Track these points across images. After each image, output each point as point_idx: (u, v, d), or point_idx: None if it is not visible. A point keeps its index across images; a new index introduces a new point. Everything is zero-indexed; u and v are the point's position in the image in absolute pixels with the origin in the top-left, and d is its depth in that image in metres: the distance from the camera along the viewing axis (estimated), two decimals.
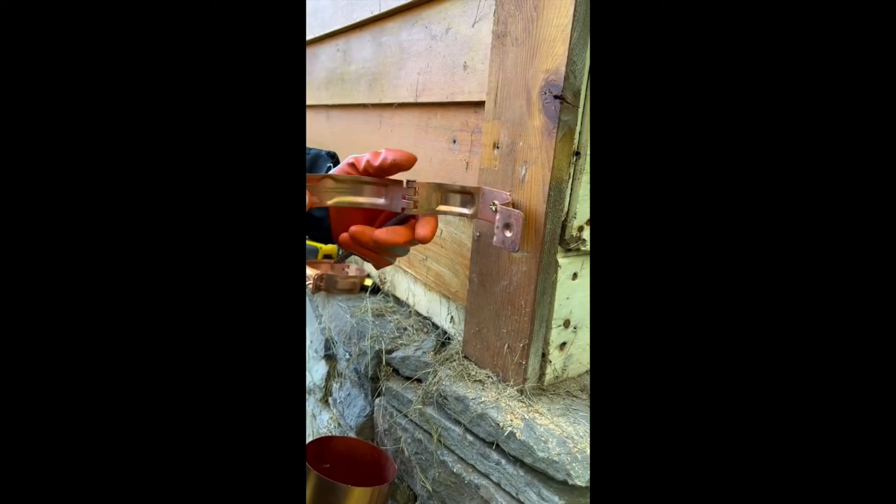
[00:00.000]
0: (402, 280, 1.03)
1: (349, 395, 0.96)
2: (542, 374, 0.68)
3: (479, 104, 0.70)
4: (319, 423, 1.07)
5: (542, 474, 0.58)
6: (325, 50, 1.22)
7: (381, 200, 0.66)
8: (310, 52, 1.32)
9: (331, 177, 0.65)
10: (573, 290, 0.67)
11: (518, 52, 0.60)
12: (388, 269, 1.09)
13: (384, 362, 0.84)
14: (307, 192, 0.64)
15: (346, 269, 1.22)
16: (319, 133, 1.32)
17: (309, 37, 1.30)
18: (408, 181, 0.63)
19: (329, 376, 1.05)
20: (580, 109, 0.57)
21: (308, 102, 1.35)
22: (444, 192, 0.67)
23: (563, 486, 0.56)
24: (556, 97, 0.56)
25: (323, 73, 1.24)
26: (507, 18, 0.61)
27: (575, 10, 0.52)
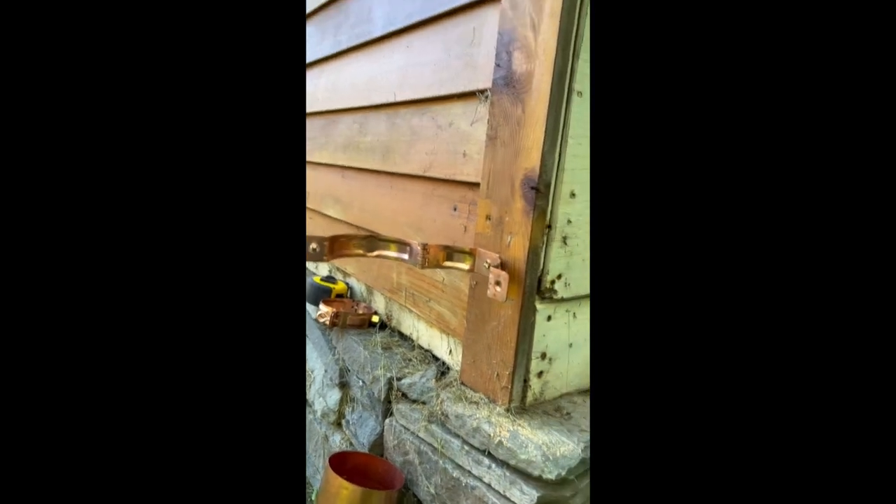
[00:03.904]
0: (407, 318, 1.21)
1: (361, 417, 1.12)
2: (524, 397, 0.86)
3: (475, 185, 0.91)
4: (332, 443, 1.21)
5: (522, 473, 0.75)
6: (343, 120, 1.45)
7: (405, 256, 0.85)
8: (328, 119, 1.54)
9: (378, 237, 0.85)
10: (548, 329, 0.85)
11: (505, 152, 0.81)
12: (394, 307, 1.27)
13: (395, 388, 1.00)
14: (357, 250, 0.83)
15: (356, 307, 1.39)
16: (334, 187, 1.52)
17: (328, 107, 1.52)
18: (422, 244, 0.83)
19: (342, 401, 1.20)
20: (551, 195, 0.78)
21: (326, 161, 1.56)
22: (448, 251, 0.87)
23: (538, 481, 0.73)
24: (532, 188, 0.77)
25: (341, 139, 1.46)
26: (498, 126, 0.83)
27: (545, 128, 0.74)
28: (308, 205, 1.69)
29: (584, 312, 0.90)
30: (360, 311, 1.35)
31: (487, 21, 0.86)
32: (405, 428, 0.97)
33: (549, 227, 0.80)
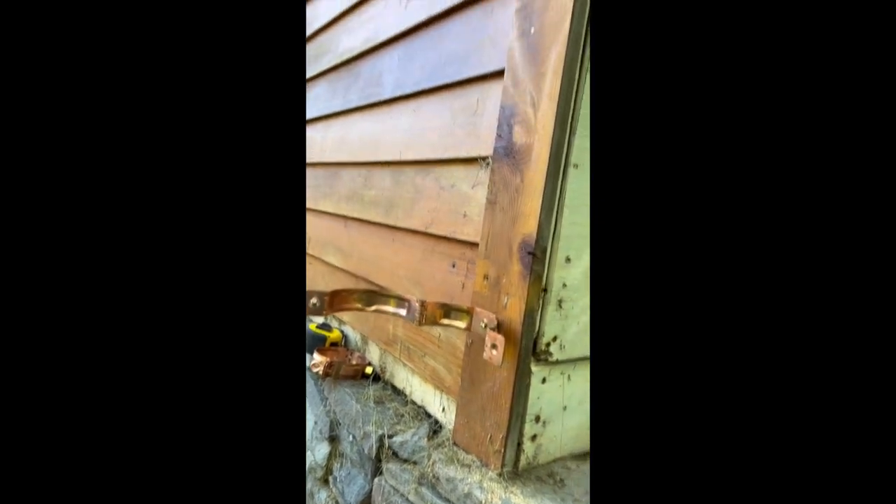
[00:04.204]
0: (401, 371, 1.20)
1: (349, 474, 1.08)
2: (517, 461, 0.84)
3: (474, 244, 0.94)
4: (318, 501, 1.17)
5: None
6: (349, 172, 1.50)
7: (402, 312, 0.87)
8: (334, 170, 1.60)
9: (377, 292, 0.86)
10: (543, 392, 0.86)
11: (504, 216, 0.85)
12: (388, 359, 1.27)
13: (386, 445, 0.98)
14: (358, 303, 0.85)
15: (350, 357, 1.39)
16: (337, 236, 1.55)
17: (335, 159, 1.58)
18: (421, 301, 0.85)
19: (331, 456, 1.17)
20: (547, 260, 0.81)
21: (330, 210, 1.60)
22: (446, 309, 0.88)
23: None
24: (529, 253, 0.80)
25: (345, 190, 1.51)
26: (497, 192, 0.87)
27: (543, 197, 0.78)
28: (310, 251, 1.72)
29: (578, 375, 0.91)
30: (354, 362, 1.34)
31: (490, 94, 0.93)
32: (395, 489, 0.94)
33: (545, 290, 0.82)
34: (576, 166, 0.80)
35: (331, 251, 1.58)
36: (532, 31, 0.80)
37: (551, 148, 0.77)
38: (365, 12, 1.42)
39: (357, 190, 1.43)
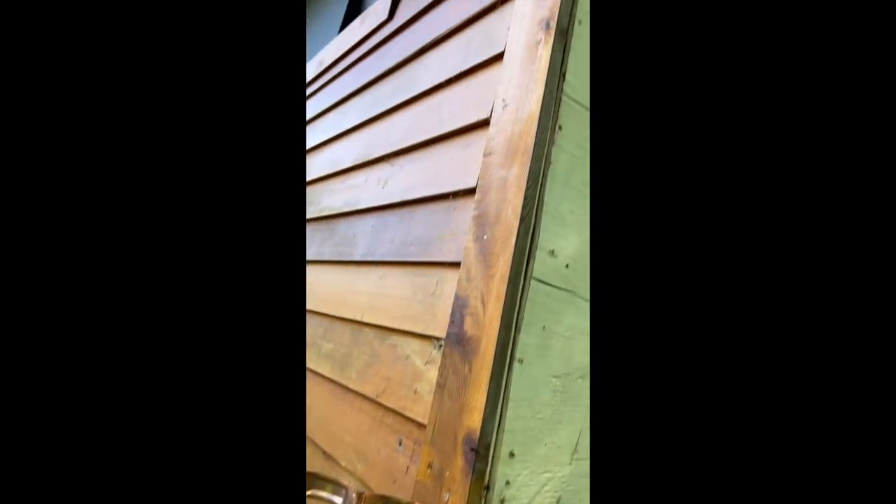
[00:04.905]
0: None
1: None
2: None
3: (422, 425, 0.93)
4: None
5: None
6: (311, 320, 1.52)
7: (338, 501, 0.81)
8: None
9: (315, 475, 0.82)
10: None
11: (452, 404, 0.87)
12: None
13: None
14: None
15: None
16: None
17: None
18: (358, 493, 0.80)
19: None
20: (490, 457, 0.81)
21: None
22: (384, 502, 0.84)
23: None
24: (472, 449, 0.79)
25: (306, 337, 1.51)
26: (448, 377, 0.90)
27: (488, 394, 0.81)
28: None
29: None
30: None
31: (448, 280, 1.01)
32: None
33: (488, 488, 0.80)
34: (520, 361, 0.85)
35: None
36: (485, 237, 0.92)
37: (497, 345, 0.82)
38: (349, 179, 1.60)
39: (316, 340, 1.44)
